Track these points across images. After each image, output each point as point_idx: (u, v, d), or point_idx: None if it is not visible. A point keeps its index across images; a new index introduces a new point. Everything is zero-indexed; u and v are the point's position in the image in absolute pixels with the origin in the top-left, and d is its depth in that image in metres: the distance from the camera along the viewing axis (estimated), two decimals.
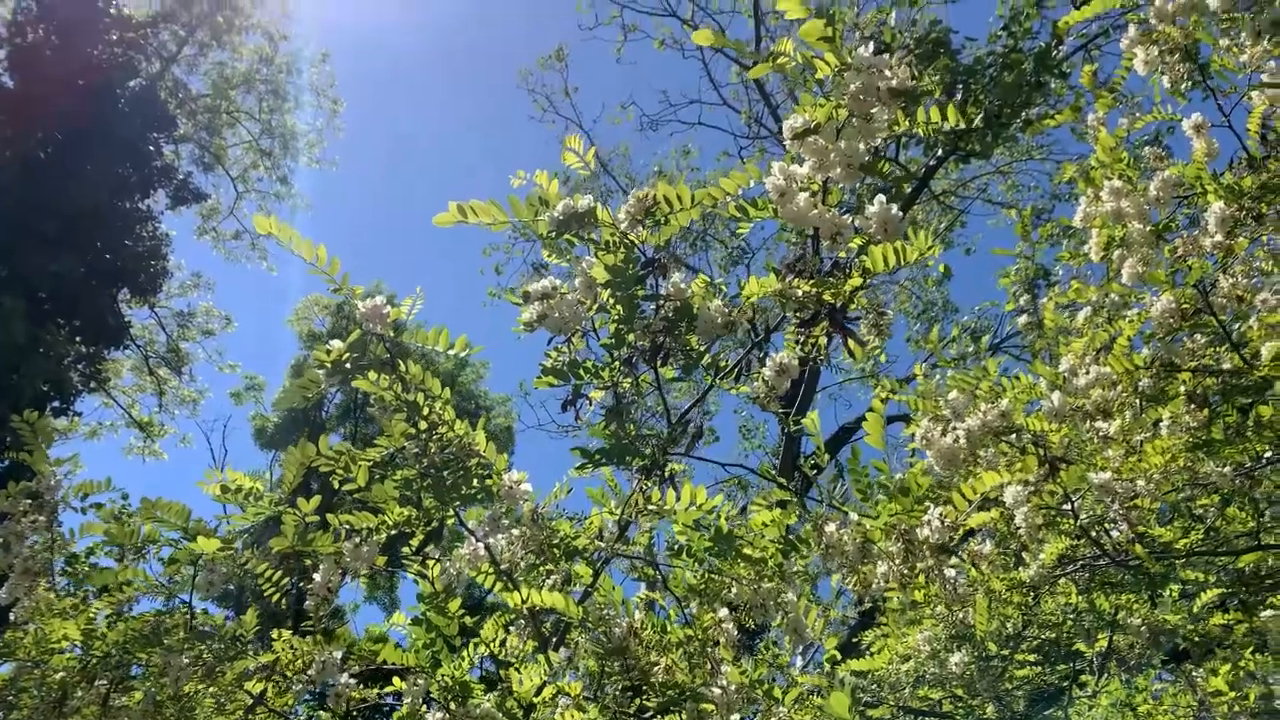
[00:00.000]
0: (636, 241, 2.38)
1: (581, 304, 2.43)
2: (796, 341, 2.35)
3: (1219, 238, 3.14)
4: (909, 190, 9.63)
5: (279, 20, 17.46)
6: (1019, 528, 3.60)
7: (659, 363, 2.39)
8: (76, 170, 13.50)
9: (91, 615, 2.81)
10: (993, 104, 7.63)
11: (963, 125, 2.14)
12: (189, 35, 16.31)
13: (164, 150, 15.20)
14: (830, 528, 2.37)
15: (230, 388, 21.62)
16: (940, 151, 8.32)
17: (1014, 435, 3.49)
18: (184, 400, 18.62)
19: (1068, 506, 3.65)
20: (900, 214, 2.11)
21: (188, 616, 2.76)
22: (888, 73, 2.04)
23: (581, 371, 2.49)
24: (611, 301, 2.43)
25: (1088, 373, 3.45)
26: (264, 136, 18.21)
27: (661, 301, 2.42)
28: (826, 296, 2.19)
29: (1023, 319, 5.88)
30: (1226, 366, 3.53)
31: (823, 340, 2.32)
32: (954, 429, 3.13)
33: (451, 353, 2.59)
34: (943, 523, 2.27)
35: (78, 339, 14.11)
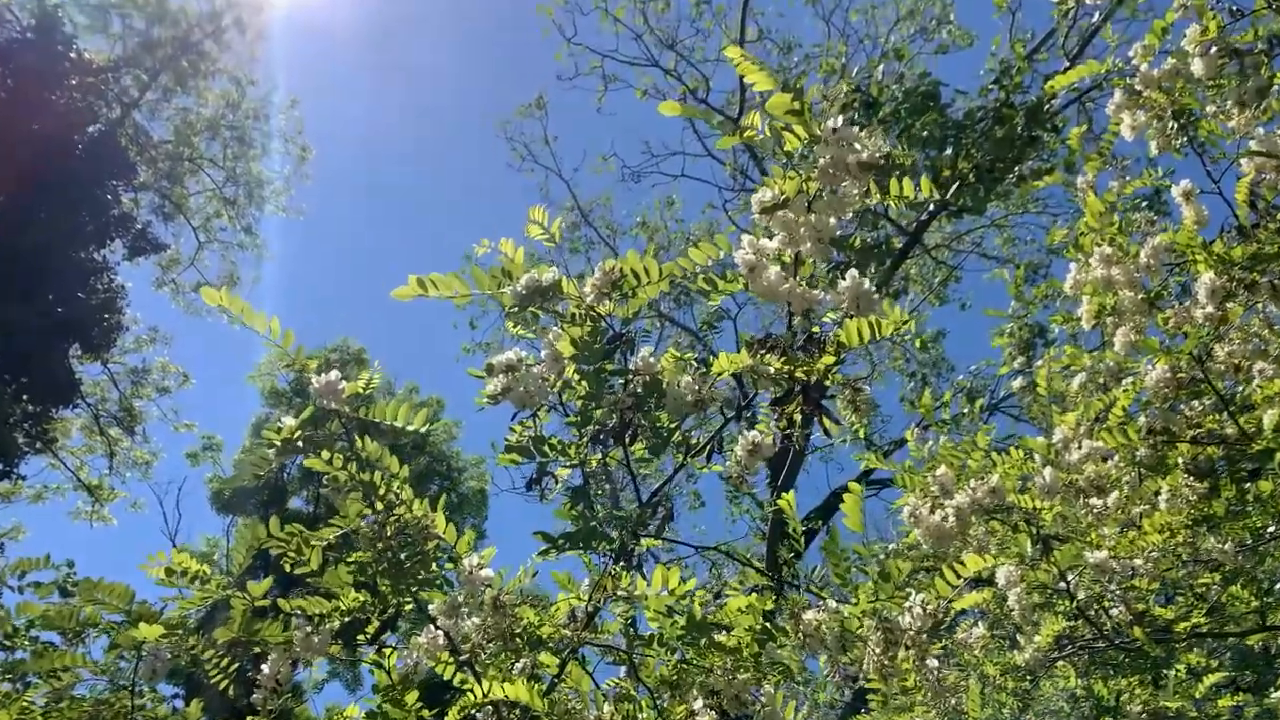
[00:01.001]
0: (603, 314, 2.42)
1: (547, 379, 2.46)
2: (769, 420, 2.38)
3: (1210, 309, 3.21)
4: (899, 246, 9.78)
5: (246, 65, 17.73)
6: (1012, 609, 3.61)
7: (627, 441, 2.41)
8: (30, 218, 13.54)
9: (27, 703, 2.76)
10: (985, 158, 7.81)
11: (937, 196, 2.20)
12: (152, 80, 16.52)
13: (123, 198, 15.29)
14: (809, 615, 2.37)
15: (186, 448, 21.43)
16: (933, 206, 8.47)
17: (1005, 512, 3.52)
18: (136, 462, 18.44)
19: (1063, 586, 3.67)
20: (872, 289, 2.16)
21: (128, 706, 2.72)
22: (858, 145, 2.11)
23: (547, 449, 2.51)
24: (578, 376, 2.46)
25: (1080, 447, 3.49)
26: (228, 184, 18.36)
27: (630, 377, 2.45)
28: (799, 374, 2.23)
29: (1017, 382, 5.95)
30: (1229, 431, 3.58)
31: (797, 418, 2.35)
32: (943, 506, 3.16)
33: (412, 428, 2.60)
34: (924, 610, 2.28)
35: (24, 397, 14.01)
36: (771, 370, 2.22)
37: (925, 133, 7.85)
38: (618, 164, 15.54)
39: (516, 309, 2.38)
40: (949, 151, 7.83)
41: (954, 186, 7.88)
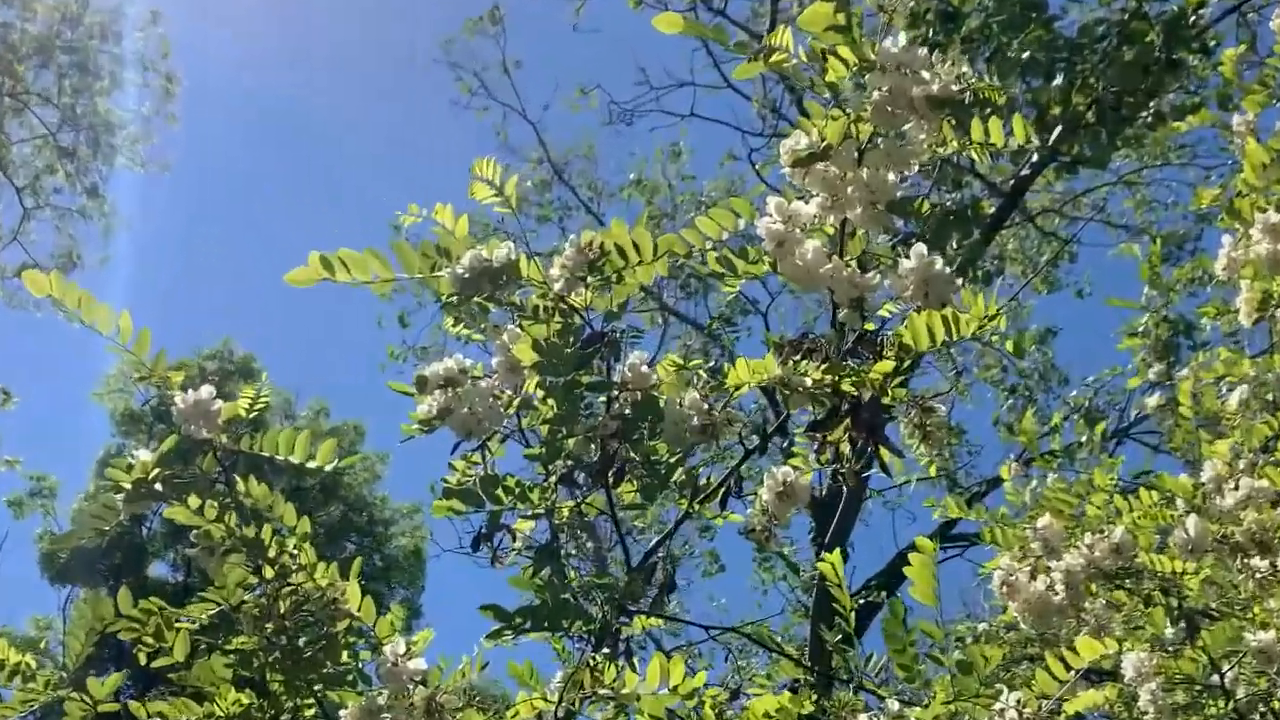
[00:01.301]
0: (578, 307, 2.44)
1: (500, 396, 2.47)
2: (807, 452, 2.39)
3: None
4: (991, 212, 9.82)
5: None
6: (1146, 712, 3.62)
7: (611, 481, 2.43)
8: None
9: None
10: (1108, 91, 7.85)
11: (1036, 143, 2.22)
12: None
13: None
14: None
15: (7, 493, 21.37)
16: (1036, 157, 8.51)
17: (1135, 578, 3.53)
18: None
19: (1216, 680, 3.68)
20: (948, 270, 2.17)
21: None
22: (926, 74, 2.13)
23: (500, 493, 2.52)
24: (543, 392, 2.47)
25: (1238, 488, 3.51)
26: (64, 128, 18.38)
27: (614, 393, 2.46)
28: (846, 387, 2.25)
29: (1153, 399, 5.97)
30: None
31: (844, 448, 2.37)
32: (1049, 570, 3.17)
33: (314, 465, 2.61)
34: (1022, 715, 2.30)
35: None
36: (809, 382, 2.24)
37: (1026, 55, 7.88)
38: (603, 100, 15.43)
39: (457, 299, 2.39)
40: (1059, 81, 7.86)
41: (1066, 129, 7.92)
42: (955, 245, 8.71)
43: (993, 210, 10.07)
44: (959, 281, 2.32)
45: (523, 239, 15.53)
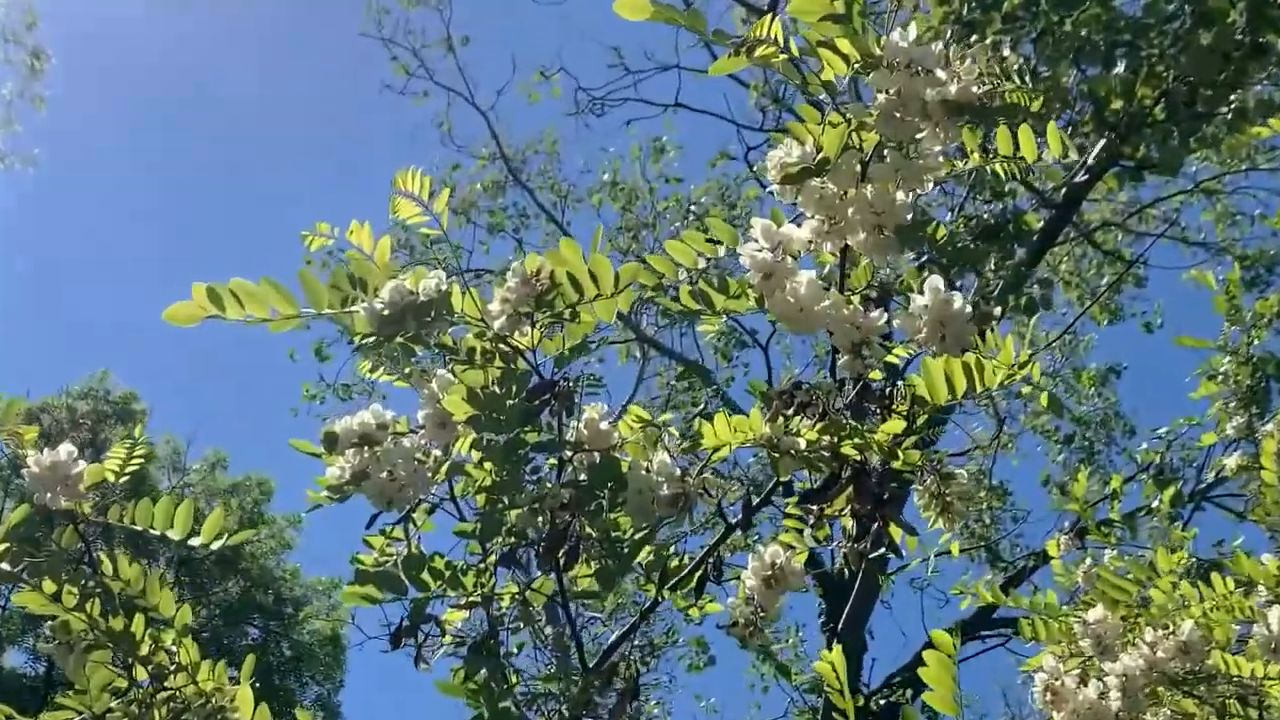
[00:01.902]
0: (523, 349, 2.45)
1: (425, 459, 2.48)
2: (801, 527, 2.41)
3: None
4: (1038, 226, 9.88)
5: None
6: None
7: (563, 562, 2.43)
8: None
9: None
10: (1181, 82, 7.93)
11: (1072, 155, 2.26)
12: None
13: None
14: None
15: None
16: (1091, 160, 8.57)
17: (1207, 684, 3.55)
18: None
19: None
20: (967, 308, 2.20)
21: None
22: (941, 72, 2.16)
23: (427, 577, 2.52)
24: (479, 453, 2.48)
25: None
26: None
27: (567, 455, 2.47)
28: (848, 449, 2.26)
29: (1234, 459, 6.01)
30: None
31: (847, 523, 2.38)
32: (1100, 673, 3.19)
33: (199, 542, 2.62)
34: None
35: None
36: (803, 444, 2.25)
37: (1081, 38, 7.95)
38: (568, 85, 15.42)
39: (375, 339, 2.40)
40: (1120, 70, 7.93)
41: (1129, 128, 7.98)
42: (994, 268, 8.75)
43: (1041, 224, 10.12)
44: (997, 313, 2.35)
45: (466, 256, 15.59)
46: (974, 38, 8.44)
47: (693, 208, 15.33)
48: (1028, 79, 2.21)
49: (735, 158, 15.00)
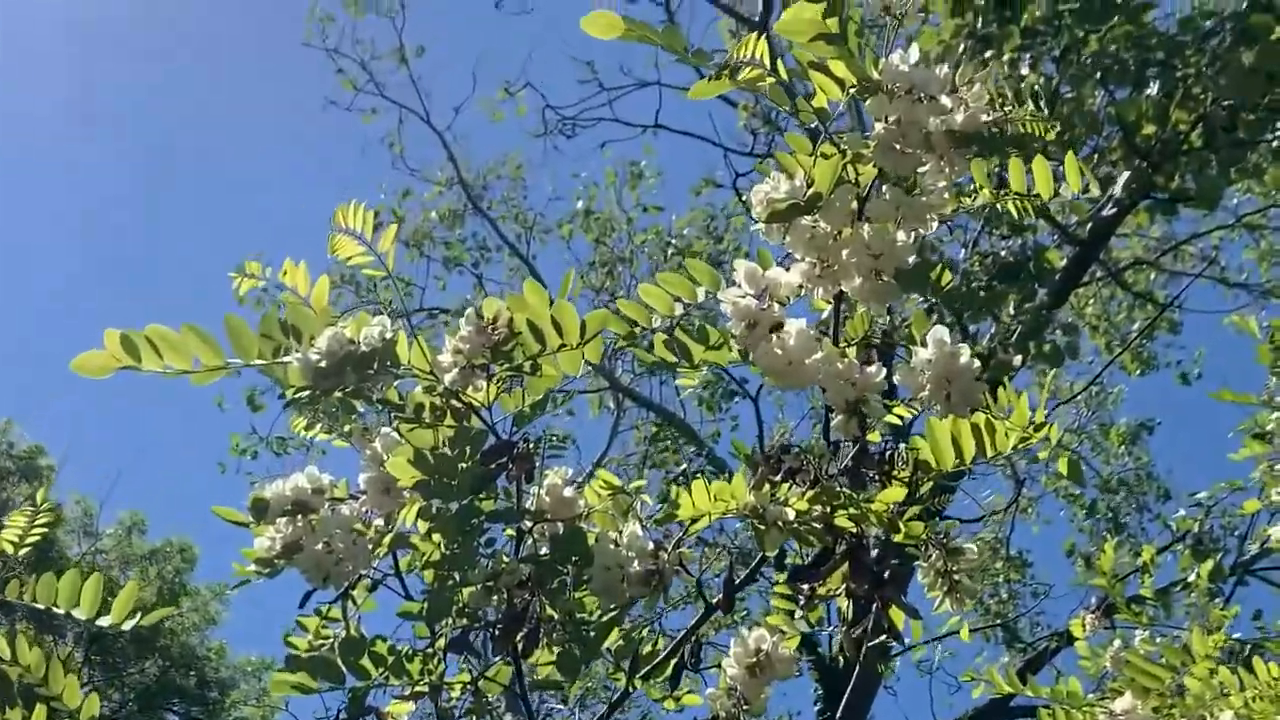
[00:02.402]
0: (477, 406, 2.45)
1: (365, 530, 2.47)
2: (791, 608, 2.41)
3: None
4: (1061, 264, 9.92)
5: None
6: None
7: (521, 647, 2.43)
8: None
9: None
10: (1219, 105, 7.99)
11: (1094, 190, 2.27)
12: None
13: None
14: None
15: None
16: (1118, 191, 8.62)
17: None
18: None
19: None
20: (975, 363, 2.21)
21: None
22: (946, 99, 2.18)
23: (367, 663, 2.51)
24: (426, 524, 2.47)
25: None
26: None
27: (526, 526, 2.47)
28: (843, 521, 2.26)
29: (1279, 529, 6.01)
30: None
31: (842, 604, 2.38)
32: None
33: (107, 622, 2.60)
34: None
35: None
36: (791, 515, 2.25)
37: (1109, 56, 8.02)
38: (535, 103, 15.41)
39: (311, 394, 2.40)
40: (1153, 91, 8.00)
41: (1162, 156, 8.03)
42: (1013, 311, 8.78)
43: (1064, 263, 10.14)
44: (1016, 362, 2.36)
45: (418, 294, 15.53)
46: (990, 54, 8.49)
47: (674, 241, 15.31)
48: (1044, 103, 2.21)
49: (722, 185, 15.00)
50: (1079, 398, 13.25)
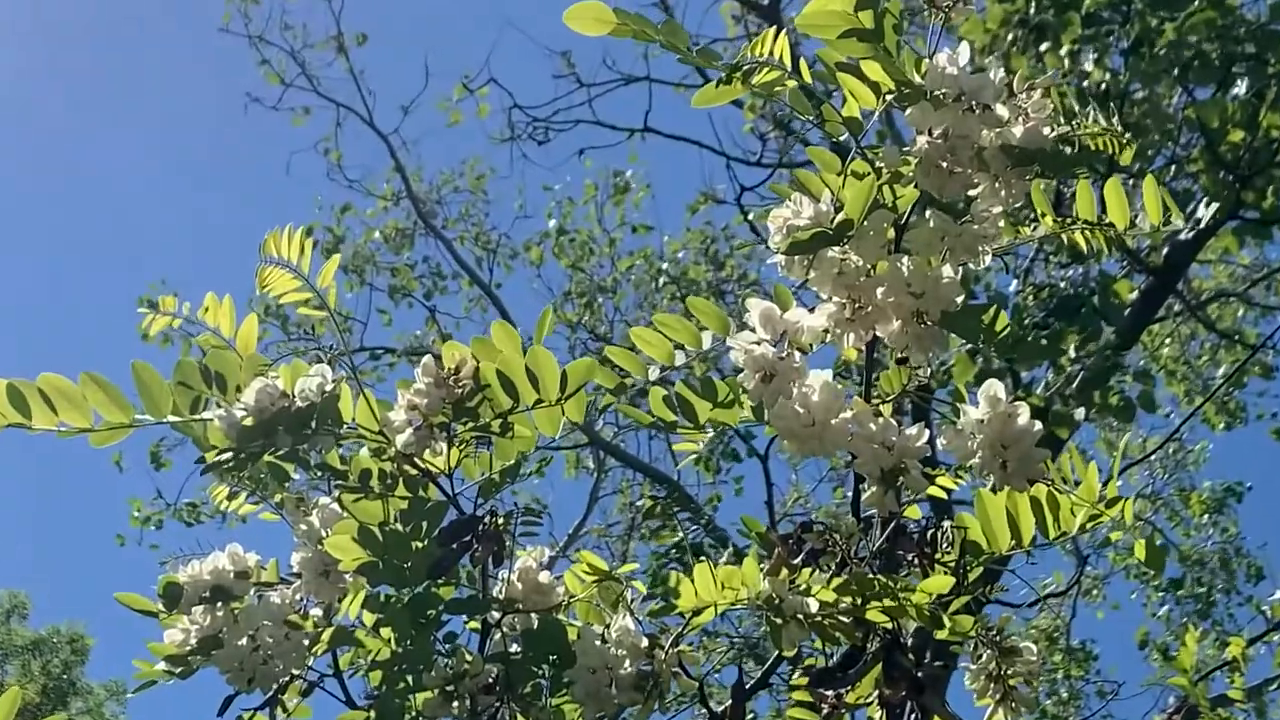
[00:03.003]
0: (435, 472, 2.45)
1: (300, 625, 2.46)
2: (811, 718, 2.40)
3: None
4: (1132, 297, 9.93)
5: None
6: None
7: None
8: None
9: None
10: None
11: (1176, 221, 2.28)
12: None
13: None
14: None
15: None
16: (1204, 212, 8.66)
17: None
18: None
19: None
20: (1036, 426, 2.21)
21: None
22: (1002, 107, 2.18)
23: None
24: (374, 616, 2.46)
25: None
26: None
27: (494, 619, 2.47)
28: (875, 615, 2.26)
29: None
30: None
31: (874, 714, 2.37)
32: None
33: None
34: None
35: None
36: (814, 606, 2.25)
37: (1188, 48, 8.06)
38: (500, 101, 15.30)
39: (235, 458, 2.40)
40: (1240, 90, 8.04)
41: (1251, 168, 8.07)
42: (1073, 355, 8.78)
43: (1135, 295, 10.14)
44: (1078, 416, 2.37)
45: (358, 330, 15.45)
46: (1045, 46, 8.50)
47: (666, 267, 15.25)
48: (1111, 105, 2.22)
49: (723, 200, 14.95)
50: (1153, 457, 13.20)
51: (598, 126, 15.40)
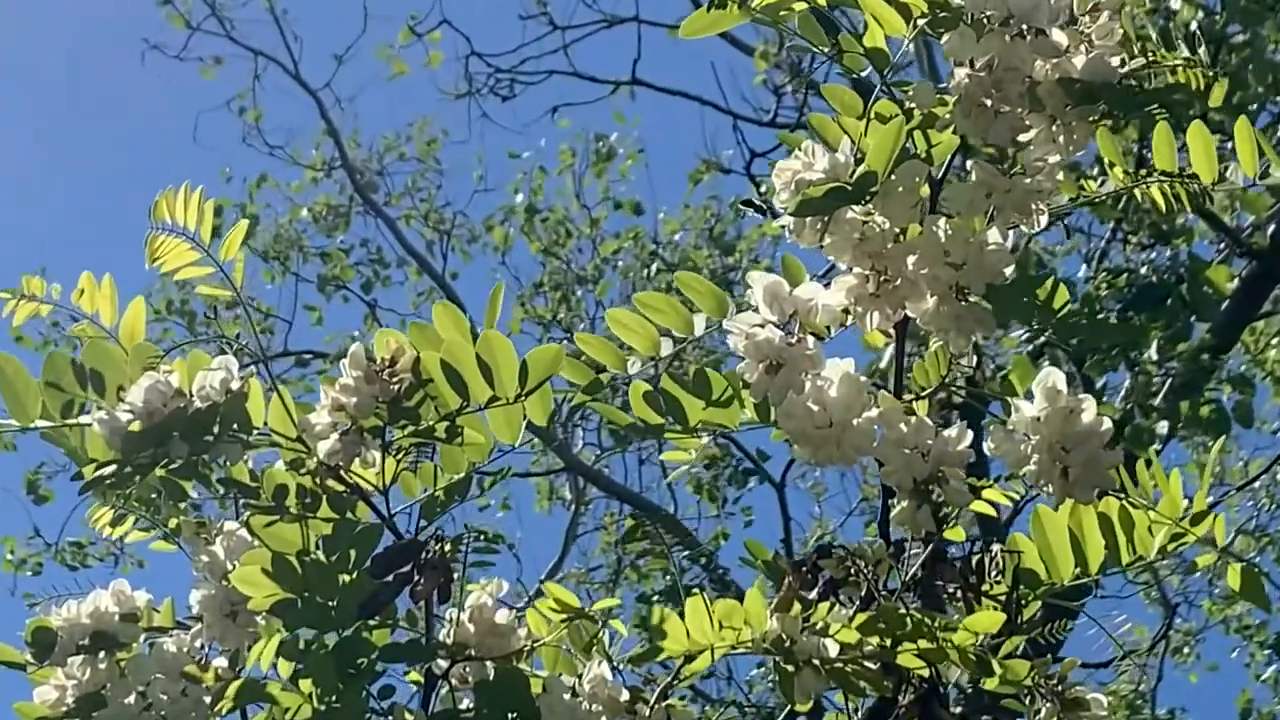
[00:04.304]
0: (367, 488, 2.45)
1: (200, 678, 2.46)
2: None
3: None
4: (1230, 289, 9.93)
5: None
6: None
7: None
8: None
9: None
10: None
11: (1277, 173, 2.27)
12: None
13: None
14: None
15: None
16: None
17: None
18: None
19: None
20: (1106, 423, 2.21)
21: None
22: (1060, 34, 2.17)
23: None
24: (289, 665, 2.46)
25: None
26: None
27: (440, 668, 2.47)
28: (908, 659, 2.26)
29: None
30: None
31: None
32: None
33: None
34: None
35: None
36: (833, 650, 2.25)
37: None
38: (455, 49, 15.16)
39: (118, 472, 2.39)
40: None
41: None
42: (1157, 356, 8.77)
43: (1234, 284, 10.12)
44: (1163, 429, 2.37)
45: (283, 330, 15.40)
46: None
47: (661, 251, 15.16)
48: (1203, 48, 2.22)
49: (731, 169, 14.84)
50: (1258, 483, 13.15)
51: (575, 79, 15.28)
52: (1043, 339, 7.28)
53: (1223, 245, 10.43)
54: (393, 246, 16.03)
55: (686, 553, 12.48)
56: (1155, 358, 8.91)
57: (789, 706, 2.43)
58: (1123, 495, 2.27)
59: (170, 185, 2.49)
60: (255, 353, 2.53)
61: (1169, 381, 8.84)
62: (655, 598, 12.12)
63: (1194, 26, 8.57)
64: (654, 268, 14.75)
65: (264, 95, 16.19)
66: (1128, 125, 2.38)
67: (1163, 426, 8.79)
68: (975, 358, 2.51)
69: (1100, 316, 8.51)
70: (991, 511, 2.42)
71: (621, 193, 15.70)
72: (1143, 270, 9.59)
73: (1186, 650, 14.06)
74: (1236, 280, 10.10)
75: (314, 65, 19.23)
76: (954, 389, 2.40)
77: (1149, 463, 2.28)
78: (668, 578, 13.13)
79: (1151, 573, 12.40)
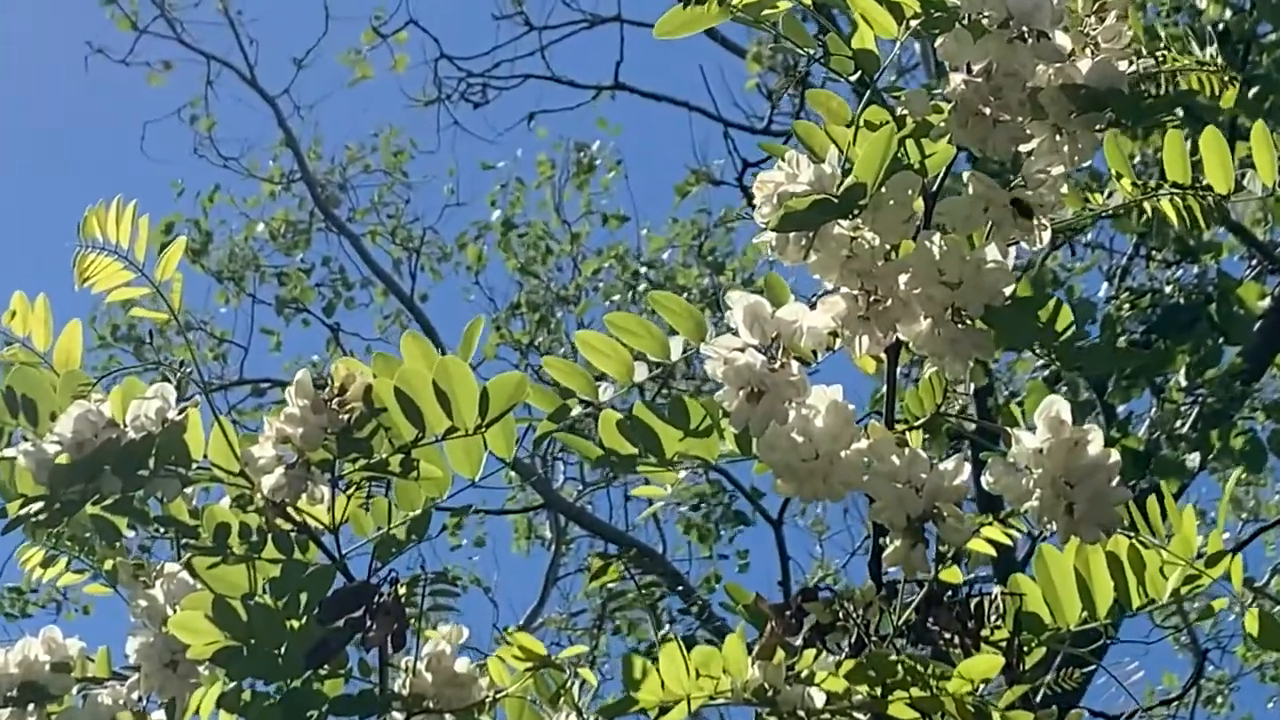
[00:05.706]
0: (315, 527, 2.45)
1: None
2: None
3: None
4: (1262, 308, 9.93)
5: None
6: None
7: None
8: None
9: None
10: None
11: None
12: None
13: None
14: None
15: None
16: None
17: None
18: None
19: None
20: (1114, 456, 2.21)
21: None
22: (1062, 35, 2.18)
23: None
24: (231, 717, 2.46)
25: None
26: None
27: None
28: (900, 710, 2.26)
29: None
30: None
31: None
32: None
33: None
34: None
35: None
36: (819, 700, 2.26)
37: None
38: (422, 51, 15.10)
39: (46, 510, 2.39)
40: None
41: None
42: (1185, 382, 8.75)
43: (1267, 303, 10.11)
44: (1192, 462, 2.36)
45: (238, 357, 15.35)
46: None
47: (646, 270, 15.12)
48: (1212, 49, 2.22)
49: (722, 181, 14.82)
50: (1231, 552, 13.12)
51: (553, 83, 15.25)
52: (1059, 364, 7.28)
53: (1254, 261, 10.42)
54: (357, 266, 15.98)
55: (670, 597, 12.43)
56: (1183, 384, 8.90)
57: None
58: (1133, 534, 2.27)
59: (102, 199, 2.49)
60: (200, 381, 2.52)
61: (1198, 409, 8.83)
62: (646, 647, 12.01)
63: (1221, 26, 8.58)
64: (639, 287, 14.66)
65: (217, 103, 16.15)
66: (1150, 134, 2.38)
67: (1193, 459, 8.79)
68: (986, 384, 2.52)
69: (1120, 340, 8.52)
70: (991, 551, 2.42)
71: (604, 206, 15.65)
72: (1168, 289, 9.58)
73: (1220, 700, 14.07)
74: (1269, 299, 10.09)
75: (271, 70, 19.19)
76: (948, 418, 2.40)
77: (1160, 497, 2.28)
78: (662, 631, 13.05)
79: (1181, 615, 12.42)
